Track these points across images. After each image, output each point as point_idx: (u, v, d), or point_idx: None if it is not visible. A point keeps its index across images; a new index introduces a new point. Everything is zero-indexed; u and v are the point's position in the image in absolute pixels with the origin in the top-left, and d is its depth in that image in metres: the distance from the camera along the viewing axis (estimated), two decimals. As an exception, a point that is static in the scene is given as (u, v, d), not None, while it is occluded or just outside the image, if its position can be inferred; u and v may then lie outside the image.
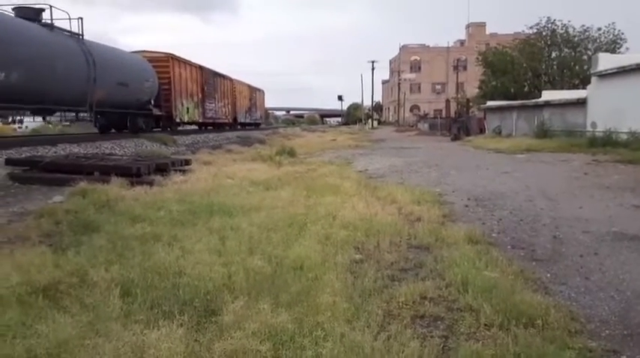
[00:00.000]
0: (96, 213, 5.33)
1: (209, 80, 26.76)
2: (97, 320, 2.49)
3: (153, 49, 21.29)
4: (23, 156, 10.17)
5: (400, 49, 79.49)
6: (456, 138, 26.92)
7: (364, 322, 2.63)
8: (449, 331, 2.69)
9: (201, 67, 25.33)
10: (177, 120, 22.23)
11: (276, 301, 2.83)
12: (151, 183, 7.70)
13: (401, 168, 11.88)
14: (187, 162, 10.49)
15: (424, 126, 49.46)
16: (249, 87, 37.80)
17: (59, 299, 2.81)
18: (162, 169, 9.15)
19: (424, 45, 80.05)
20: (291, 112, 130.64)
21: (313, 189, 7.24)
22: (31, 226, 4.85)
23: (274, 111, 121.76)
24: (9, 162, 9.08)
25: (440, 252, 4.15)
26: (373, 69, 70.44)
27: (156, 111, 19.66)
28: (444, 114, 42.22)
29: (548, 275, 3.74)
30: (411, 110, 75.02)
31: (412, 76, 76.34)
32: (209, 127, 30.18)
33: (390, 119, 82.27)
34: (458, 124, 30.03)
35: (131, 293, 2.93)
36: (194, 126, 29.89)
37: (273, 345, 2.30)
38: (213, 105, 27.79)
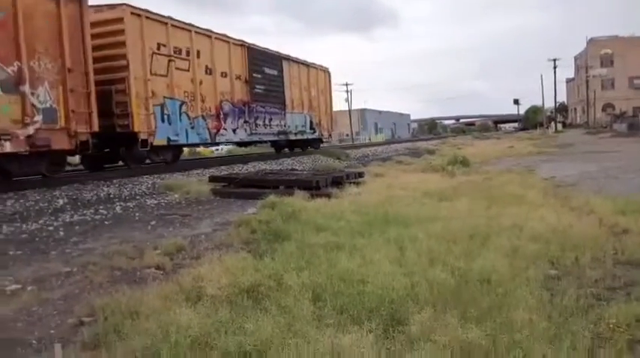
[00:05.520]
0: (284, 223, 5.79)
1: None
2: (293, 321, 2.68)
3: None
4: (222, 173, 11.65)
5: (587, 42, 70.71)
6: (665, 138, 22.79)
7: (569, 344, 2.33)
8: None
9: None
10: None
11: (463, 315, 2.70)
12: (328, 196, 8.11)
13: (595, 174, 10.48)
14: (360, 175, 10.81)
15: (621, 126, 43.02)
16: (240, 45, 15.41)
17: (260, 300, 3.10)
18: (338, 182, 9.57)
19: (616, 36, 69.86)
20: (461, 121, 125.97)
21: (493, 200, 6.81)
22: (232, 234, 5.49)
23: (442, 121, 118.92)
24: (211, 179, 10.48)
25: (659, 270, 3.52)
26: (555, 67, 62.96)
27: None
28: (646, 111, 36.18)
29: None
30: (604, 109, 65.95)
31: (603, 71, 67.11)
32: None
33: (578, 121, 73.45)
34: (667, 122, 25.37)
35: (321, 297, 3.09)
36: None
37: (466, 361, 2.18)
38: None
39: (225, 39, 14.52)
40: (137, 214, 7.08)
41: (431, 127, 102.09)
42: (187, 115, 12.68)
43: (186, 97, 12.65)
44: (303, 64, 20.04)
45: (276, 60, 17.78)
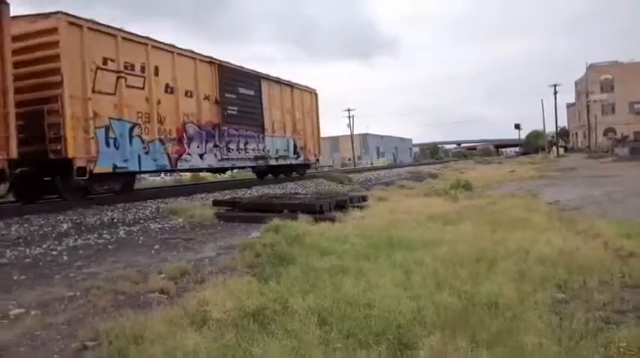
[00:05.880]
0: (288, 246, 5.77)
1: None
2: (300, 346, 2.65)
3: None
4: (225, 198, 11.66)
5: (587, 68, 71.47)
6: (667, 161, 22.79)
7: (581, 369, 2.30)
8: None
9: None
10: None
11: (473, 339, 2.66)
12: (332, 219, 8.09)
13: (599, 198, 10.46)
14: (364, 199, 10.81)
15: (623, 150, 43.11)
16: (209, 62, 14.17)
17: (266, 324, 3.08)
18: (342, 206, 9.57)
19: (616, 62, 70.65)
20: (462, 145, 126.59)
21: (497, 223, 6.79)
22: (236, 258, 5.47)
23: (444, 145, 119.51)
24: (215, 203, 10.49)
25: (667, 294, 3.48)
26: (555, 93, 63.55)
27: None
28: (648, 135, 36.29)
29: None
30: (605, 134, 66.21)
31: (603, 96, 67.62)
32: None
33: (579, 145, 73.68)
34: (669, 146, 25.39)
35: (327, 321, 3.06)
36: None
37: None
38: None
39: (190, 55, 13.14)
40: (141, 238, 7.07)
41: (433, 152, 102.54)
42: (140, 139, 11.14)
43: (140, 118, 11.14)
44: (285, 84, 18.54)
45: (252, 79, 16.24)
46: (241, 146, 15.33)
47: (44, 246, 6.37)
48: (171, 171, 14.30)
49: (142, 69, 11.33)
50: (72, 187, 10.08)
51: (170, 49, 12.35)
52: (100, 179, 10.44)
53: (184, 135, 12.62)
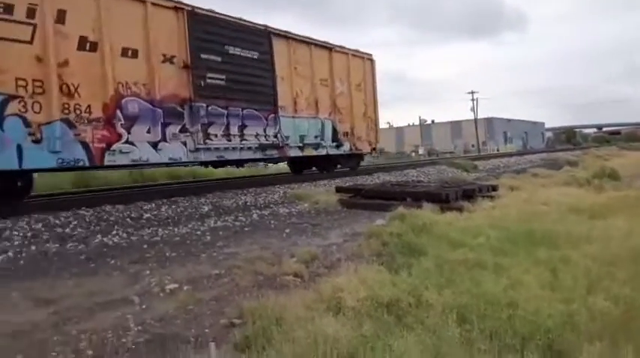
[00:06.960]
0: (415, 236, 5.66)
1: None
2: (440, 343, 2.57)
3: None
4: (347, 184, 11.81)
5: None
6: None
7: None
8: None
9: None
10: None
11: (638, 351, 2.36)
12: (460, 209, 7.76)
13: None
14: (494, 188, 10.20)
15: None
16: (173, 8, 9.35)
17: (401, 317, 3.04)
18: (469, 195, 9.13)
19: None
20: (604, 129, 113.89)
21: (657, 219, 5.96)
22: (362, 246, 5.50)
23: (582, 129, 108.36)
24: (338, 190, 10.67)
25: None
26: None
27: None
28: None
29: None
30: None
31: None
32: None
33: None
34: None
35: (466, 319, 2.93)
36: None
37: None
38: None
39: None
40: (272, 222, 7.45)
41: (569, 136, 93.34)
42: (22, 119, 7.19)
43: (22, 88, 7.22)
44: (318, 45, 13.37)
45: (255, 36, 11.28)
46: (234, 131, 10.66)
47: (189, 226, 7.01)
48: (95, 168, 9.28)
49: (30, 12, 7.44)
50: None
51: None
52: None
53: (118, 114, 8.37)
